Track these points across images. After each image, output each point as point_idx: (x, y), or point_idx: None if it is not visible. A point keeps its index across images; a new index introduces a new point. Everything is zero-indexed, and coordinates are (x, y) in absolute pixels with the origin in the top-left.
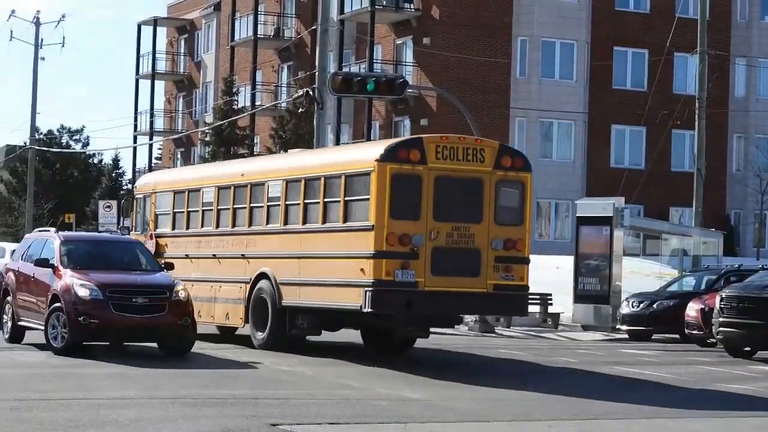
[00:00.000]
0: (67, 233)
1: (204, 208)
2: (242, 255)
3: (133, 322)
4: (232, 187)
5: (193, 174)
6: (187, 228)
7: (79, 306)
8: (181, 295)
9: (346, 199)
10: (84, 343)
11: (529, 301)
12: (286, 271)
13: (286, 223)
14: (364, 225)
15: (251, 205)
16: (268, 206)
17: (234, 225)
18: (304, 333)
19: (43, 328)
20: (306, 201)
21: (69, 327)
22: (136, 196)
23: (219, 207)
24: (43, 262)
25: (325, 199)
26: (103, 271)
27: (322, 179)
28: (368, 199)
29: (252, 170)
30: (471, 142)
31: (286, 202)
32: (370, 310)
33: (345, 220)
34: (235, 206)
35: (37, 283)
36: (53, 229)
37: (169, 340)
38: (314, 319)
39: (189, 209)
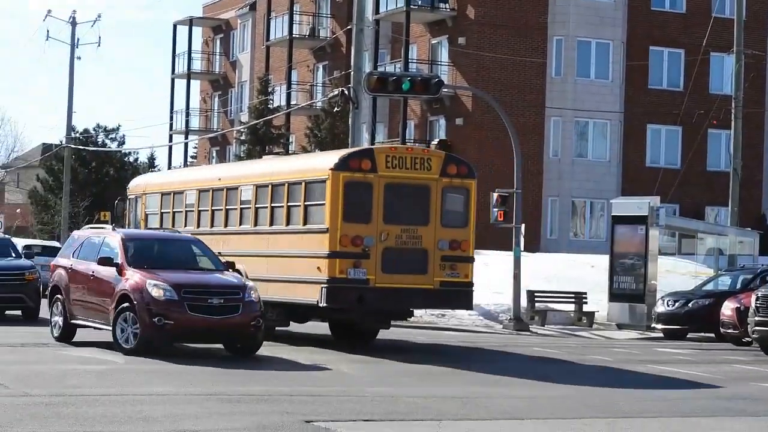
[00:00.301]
0: (127, 231)
1: (187, 209)
2: (219, 253)
3: (209, 323)
4: (211, 191)
5: (177, 177)
6: (173, 227)
7: (152, 307)
8: (254, 295)
9: (306, 203)
10: (157, 344)
11: (566, 302)
12: (256, 268)
13: (256, 224)
14: (321, 227)
15: (227, 207)
16: (241, 208)
17: (212, 225)
18: (273, 325)
19: (107, 328)
20: (273, 204)
21: (141, 328)
22: (129, 197)
23: (199, 208)
24: (106, 261)
25: (289, 204)
26: (171, 270)
27: (286, 185)
28: (324, 204)
29: (228, 175)
30: (419, 152)
31: (256, 205)
32: (325, 304)
33: (305, 223)
34: (213, 208)
35: (99, 281)
36: (110, 226)
37: (244, 341)
38: (282, 313)
39: (174, 210)
